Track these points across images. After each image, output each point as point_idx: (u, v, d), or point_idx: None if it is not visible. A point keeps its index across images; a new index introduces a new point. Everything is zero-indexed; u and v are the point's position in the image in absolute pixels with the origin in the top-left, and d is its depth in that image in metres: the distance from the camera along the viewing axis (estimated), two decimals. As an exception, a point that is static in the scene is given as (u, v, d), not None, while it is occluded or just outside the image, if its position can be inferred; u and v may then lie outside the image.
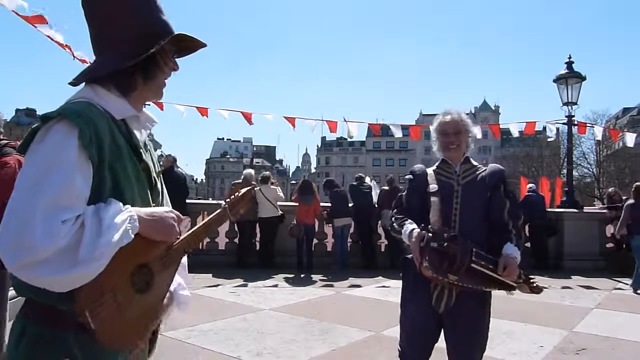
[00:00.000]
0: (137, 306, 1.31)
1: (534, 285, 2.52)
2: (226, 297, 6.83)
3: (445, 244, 2.33)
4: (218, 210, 1.57)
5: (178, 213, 1.41)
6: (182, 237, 1.44)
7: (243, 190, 1.62)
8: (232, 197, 1.60)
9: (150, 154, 1.52)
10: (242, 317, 5.71)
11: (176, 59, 1.54)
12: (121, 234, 1.20)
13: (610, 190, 11.60)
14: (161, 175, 1.57)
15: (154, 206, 1.44)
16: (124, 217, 1.23)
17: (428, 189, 2.63)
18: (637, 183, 9.44)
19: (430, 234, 2.38)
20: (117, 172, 1.30)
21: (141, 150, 1.42)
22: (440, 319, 2.55)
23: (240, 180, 10.02)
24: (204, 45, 1.56)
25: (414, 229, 2.48)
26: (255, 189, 9.56)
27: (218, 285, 7.64)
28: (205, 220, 1.56)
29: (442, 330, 2.60)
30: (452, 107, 2.76)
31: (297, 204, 9.56)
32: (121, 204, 1.26)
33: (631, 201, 8.44)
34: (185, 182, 10.08)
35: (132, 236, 1.23)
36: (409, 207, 2.67)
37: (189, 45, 1.54)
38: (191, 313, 5.79)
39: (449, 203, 2.56)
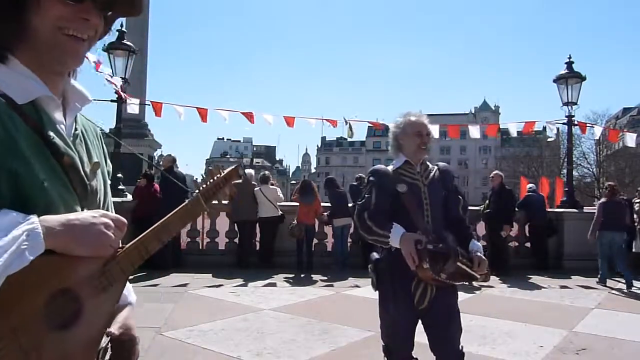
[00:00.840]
0: (57, 349, 0.97)
1: (488, 274, 2.71)
2: (226, 297, 6.83)
3: (440, 245, 2.46)
4: (185, 203, 1.19)
5: (117, 217, 1.07)
6: (127, 246, 1.10)
7: (224, 172, 1.25)
8: (208, 182, 1.23)
9: (87, 144, 1.17)
10: (242, 317, 5.71)
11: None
12: (9, 257, 0.89)
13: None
14: (105, 172, 1.23)
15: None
16: (17, 234, 0.91)
17: (398, 190, 2.64)
18: (609, 182, 9.64)
19: (423, 237, 2.48)
20: (16, 174, 0.97)
21: (56, 140, 1.06)
22: (418, 312, 2.66)
23: (240, 180, 10.03)
24: None
25: (404, 232, 2.52)
26: (255, 189, 9.57)
27: (218, 285, 7.64)
28: (167, 217, 1.17)
29: (422, 324, 2.71)
30: (413, 110, 2.87)
31: (297, 204, 9.56)
32: (18, 214, 0.95)
33: (603, 199, 8.63)
34: (184, 181, 10.08)
35: (30, 257, 0.92)
36: (380, 209, 2.66)
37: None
38: (191, 313, 5.81)
39: (420, 203, 2.67)
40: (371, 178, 2.79)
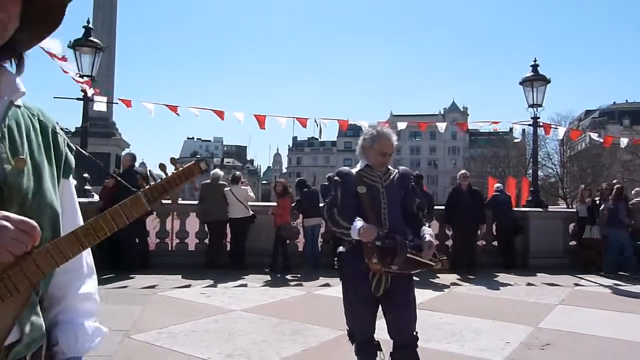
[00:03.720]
0: None
1: (444, 260, 3.07)
2: (196, 298, 6.75)
3: (387, 241, 2.80)
4: (123, 202, 1.06)
5: (23, 219, 0.94)
6: (37, 251, 0.97)
7: (183, 167, 1.11)
8: (159, 179, 1.11)
9: (14, 140, 1.05)
10: (212, 318, 5.66)
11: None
12: None
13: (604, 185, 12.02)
14: (41, 170, 1.09)
15: None
16: None
17: (358, 190, 2.99)
18: (618, 184, 9.96)
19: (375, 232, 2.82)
20: None
21: None
22: (377, 300, 3.00)
23: (209, 180, 9.95)
24: None
25: (362, 225, 2.85)
26: (225, 189, 9.49)
27: (188, 286, 7.54)
28: (94, 218, 1.02)
29: (382, 311, 3.05)
30: (383, 125, 3.36)
31: (272, 204, 9.63)
32: None
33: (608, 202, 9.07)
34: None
35: None
36: (345, 206, 3.00)
37: None
38: (160, 315, 5.73)
39: (378, 203, 3.01)
40: (336, 178, 3.14)
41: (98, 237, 1.02)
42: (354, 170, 3.13)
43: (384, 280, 2.92)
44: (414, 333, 3.03)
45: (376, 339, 3.11)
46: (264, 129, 11.06)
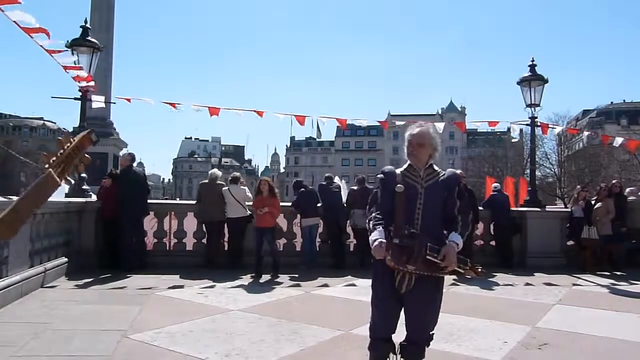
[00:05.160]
0: None
1: (478, 270, 3.14)
2: (194, 298, 6.75)
3: (405, 240, 2.85)
4: (35, 182, 1.10)
5: None
6: None
7: (75, 140, 1.15)
8: (58, 154, 1.13)
9: None
10: (210, 318, 5.66)
11: None
12: None
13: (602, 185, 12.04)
14: None
15: None
16: None
17: (396, 189, 3.00)
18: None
19: (392, 230, 2.91)
20: None
21: None
22: (401, 298, 3.01)
23: (207, 180, 9.94)
24: None
25: (377, 238, 2.93)
26: (224, 189, 9.48)
27: (186, 286, 7.53)
28: (16, 201, 1.07)
29: (403, 308, 3.07)
30: (425, 123, 3.29)
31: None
32: None
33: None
34: (144, 180, 9.88)
35: None
36: (382, 205, 3.06)
37: None
38: (158, 315, 5.72)
39: (413, 203, 3.00)
40: (380, 176, 3.17)
41: (22, 220, 1.08)
42: (398, 170, 3.16)
43: (407, 279, 2.95)
44: (430, 333, 3.10)
45: (394, 341, 3.13)
46: (262, 116, 10.94)
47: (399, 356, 3.10)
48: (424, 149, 3.09)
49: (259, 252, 8.65)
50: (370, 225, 3.05)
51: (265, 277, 8.36)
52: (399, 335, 3.16)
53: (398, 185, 3.01)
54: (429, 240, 2.90)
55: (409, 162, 3.15)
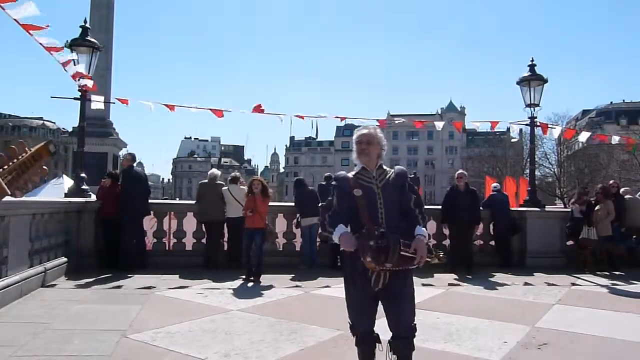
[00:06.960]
0: None
1: (440, 255, 3.34)
2: (193, 298, 6.74)
3: (380, 241, 2.96)
4: None
5: None
6: None
7: (31, 151, 1.09)
8: (10, 164, 1.07)
9: None
10: (209, 318, 5.65)
11: None
12: None
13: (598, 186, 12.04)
14: None
15: None
16: None
17: (353, 193, 3.15)
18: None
19: (364, 233, 3.02)
20: None
21: None
22: (376, 295, 3.17)
23: (207, 180, 9.93)
24: None
25: (343, 231, 3.10)
26: (223, 189, 9.47)
27: (185, 286, 7.53)
28: None
29: (382, 304, 3.22)
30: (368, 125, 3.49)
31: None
32: None
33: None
34: (145, 180, 9.88)
35: None
36: (340, 209, 3.20)
37: None
38: (158, 315, 5.72)
39: (374, 204, 3.15)
40: (333, 183, 3.34)
41: None
42: (350, 174, 3.29)
43: (382, 277, 3.09)
44: (412, 324, 3.22)
45: (376, 332, 3.29)
46: (262, 112, 10.93)
47: (390, 354, 3.20)
48: (373, 147, 3.25)
49: (248, 254, 8.42)
50: (328, 226, 3.19)
51: (264, 277, 8.35)
52: (385, 334, 3.29)
53: (355, 189, 3.15)
54: (399, 236, 3.04)
55: (360, 164, 3.28)
